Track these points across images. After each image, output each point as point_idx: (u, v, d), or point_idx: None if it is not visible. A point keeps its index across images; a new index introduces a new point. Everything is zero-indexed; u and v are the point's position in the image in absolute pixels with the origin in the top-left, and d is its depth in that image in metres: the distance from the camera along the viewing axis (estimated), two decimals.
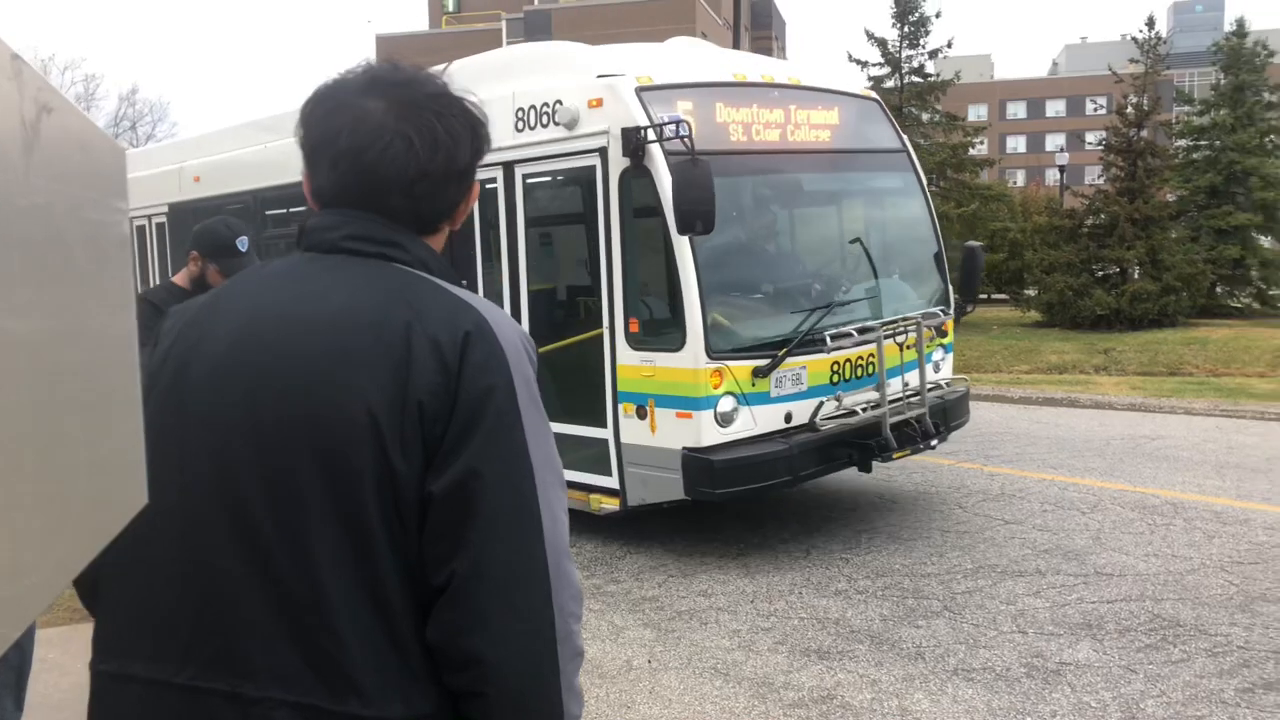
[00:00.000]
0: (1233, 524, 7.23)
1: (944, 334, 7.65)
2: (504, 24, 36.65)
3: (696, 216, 6.10)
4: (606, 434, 6.96)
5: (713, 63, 7.31)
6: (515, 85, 7.32)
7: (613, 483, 6.97)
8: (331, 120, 1.46)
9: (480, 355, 1.36)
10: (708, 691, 4.95)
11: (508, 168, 7.39)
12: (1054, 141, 59.65)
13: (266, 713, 1.32)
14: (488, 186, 7.59)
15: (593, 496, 7.10)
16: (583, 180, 7.09)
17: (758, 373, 6.56)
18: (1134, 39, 26.68)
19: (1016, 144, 74.08)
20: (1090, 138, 26.47)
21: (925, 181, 8.00)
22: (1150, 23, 26.84)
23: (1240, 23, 27.27)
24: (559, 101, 6.97)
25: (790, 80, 7.29)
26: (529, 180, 7.35)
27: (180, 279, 4.52)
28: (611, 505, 6.99)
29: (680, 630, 5.68)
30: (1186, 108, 28.90)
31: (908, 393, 7.11)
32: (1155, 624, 5.47)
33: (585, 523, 7.18)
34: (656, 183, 6.47)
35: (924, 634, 5.48)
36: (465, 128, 1.50)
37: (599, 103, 6.77)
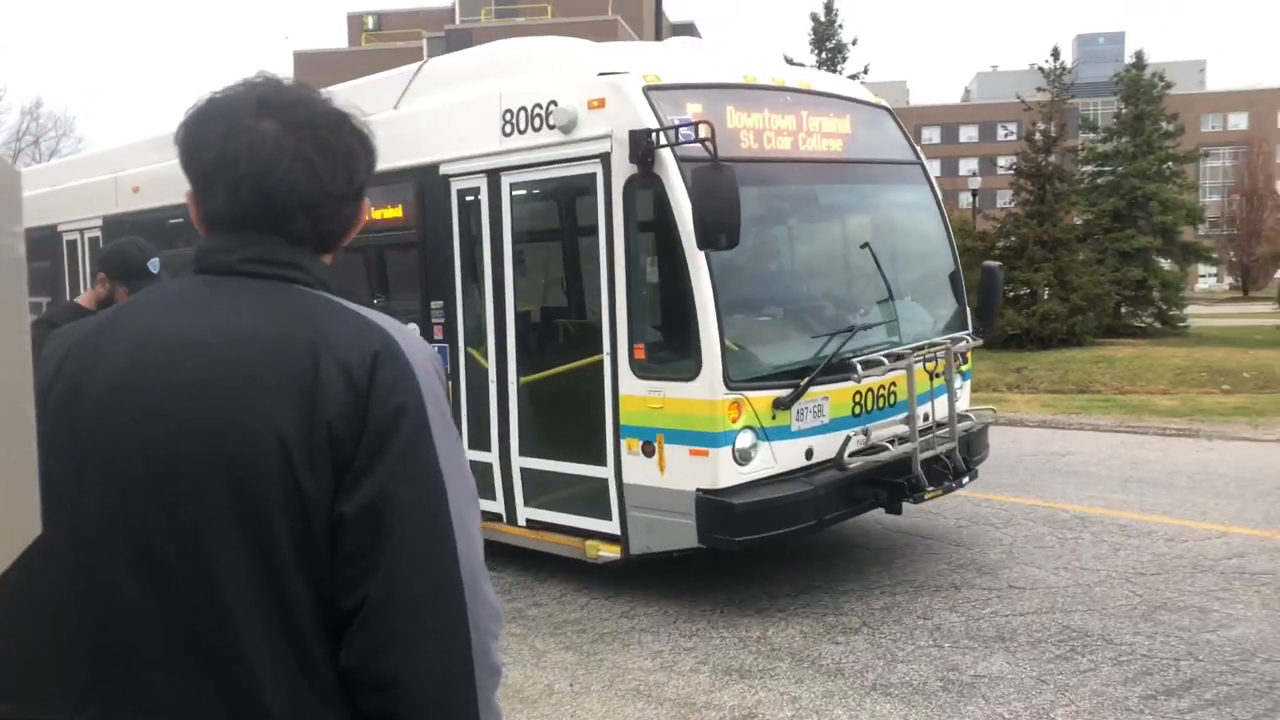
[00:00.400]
0: (1137, 536, 7.34)
1: (965, 360, 6.97)
2: (425, 42, 35.43)
3: (720, 229, 5.28)
4: (606, 473, 6.06)
5: (720, 63, 6.51)
6: (502, 84, 6.40)
7: (612, 527, 6.08)
8: (226, 144, 1.35)
9: (389, 375, 1.28)
10: (630, 714, 4.81)
11: (492, 176, 6.46)
12: (967, 166, 60.82)
13: None
14: (468, 198, 6.65)
15: (589, 543, 6.19)
16: (581, 189, 6.20)
17: (779, 404, 5.75)
18: (1041, 68, 26.97)
19: (931, 168, 74.43)
20: (1002, 162, 26.65)
21: (940, 195, 7.34)
22: (1055, 53, 27.18)
23: (1139, 55, 27.87)
24: (554, 102, 6.08)
25: (801, 84, 6.53)
26: (517, 190, 6.43)
27: (86, 300, 4.21)
28: (611, 553, 6.09)
29: (602, 653, 5.48)
30: (1091, 135, 29.42)
31: (934, 424, 6.37)
32: (1065, 635, 5.51)
33: (505, 546, 6.52)
34: (668, 192, 5.63)
35: (843, 650, 5.42)
36: (359, 144, 1.43)
37: (601, 103, 5.90)
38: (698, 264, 5.56)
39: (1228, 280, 63.36)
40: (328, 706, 1.27)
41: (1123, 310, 25.26)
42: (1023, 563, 6.75)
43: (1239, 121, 73.77)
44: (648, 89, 5.82)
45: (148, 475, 1.27)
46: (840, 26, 27.59)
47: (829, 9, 28.51)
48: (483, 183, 6.52)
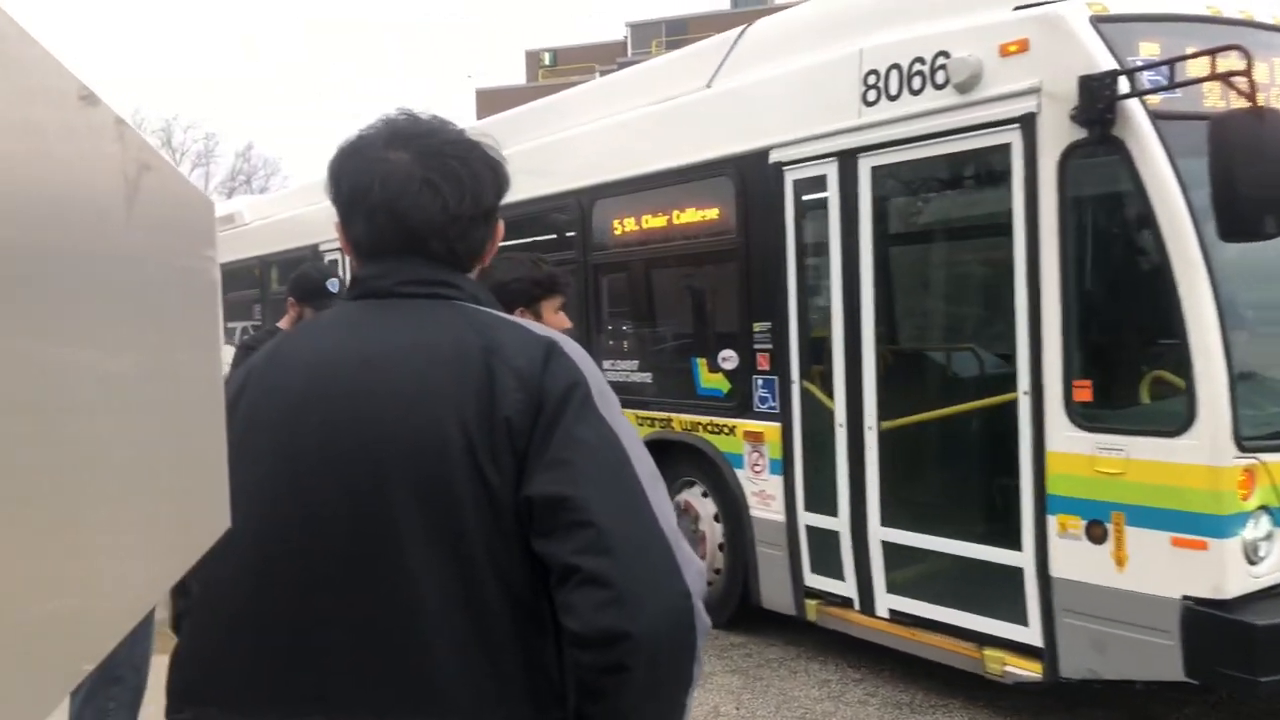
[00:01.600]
0: None
1: None
2: (598, 76, 34.57)
3: (1268, 209, 3.32)
4: (1022, 560, 4.09)
5: None
6: (863, 40, 4.56)
7: (1030, 636, 4.10)
8: (361, 176, 1.37)
9: (556, 367, 1.25)
10: None
11: (846, 159, 4.63)
12: None
13: None
14: (809, 190, 4.83)
15: (989, 653, 4.22)
16: (984, 167, 4.29)
17: None
18: None
19: None
20: None
21: None
22: None
23: None
24: (944, 53, 4.21)
25: (1276, 21, 4.48)
26: (882, 175, 4.57)
27: (284, 324, 4.33)
28: (1027, 671, 4.09)
29: (768, 678, 4.93)
30: None
31: None
32: None
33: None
34: (1139, 160, 3.65)
35: (1020, 692, 4.34)
36: (486, 168, 1.41)
37: (1022, 46, 3.99)
38: (1189, 264, 3.58)
39: None
40: (517, 709, 1.20)
41: None
42: None
43: None
44: (1096, 20, 3.89)
45: (336, 491, 1.23)
46: None
47: None
48: (831, 169, 4.69)
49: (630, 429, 1.27)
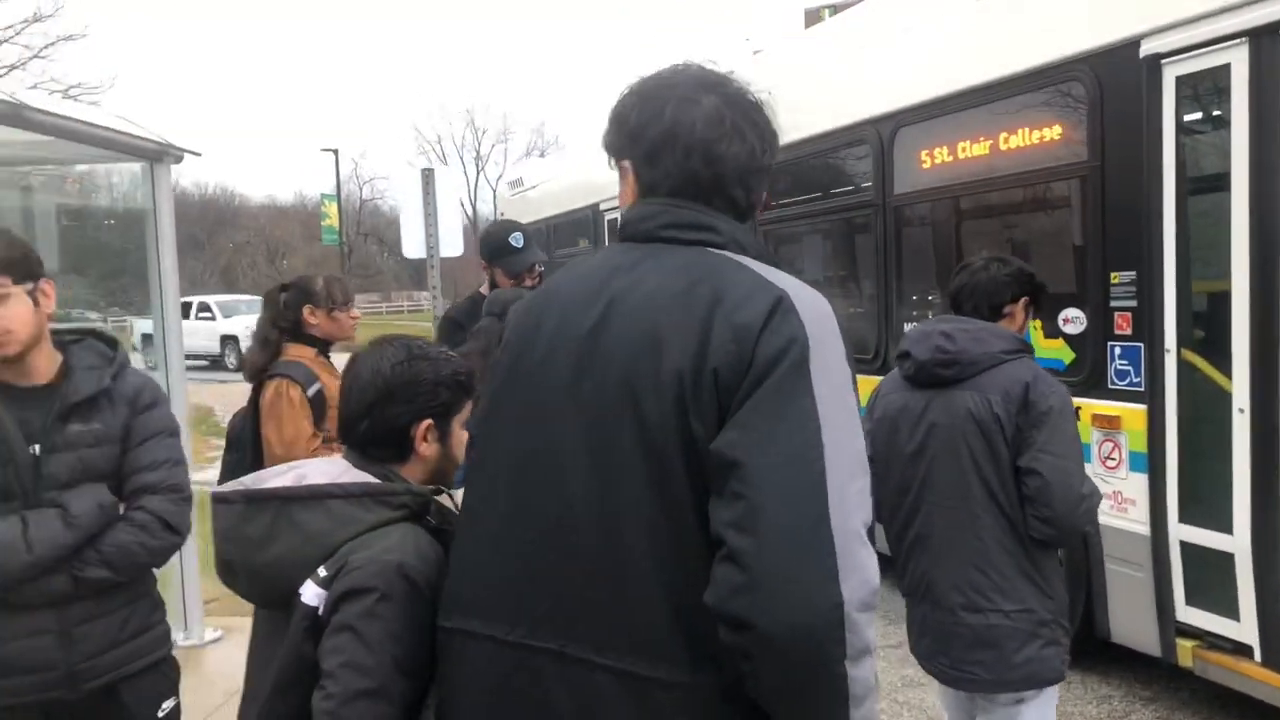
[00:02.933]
0: None
1: None
2: None
3: None
4: None
5: None
6: None
7: None
8: (679, 115, 1.32)
9: (779, 324, 1.17)
10: None
11: (1264, 41, 3.20)
12: None
13: (586, 674, 1.21)
14: (1200, 90, 3.48)
15: None
16: None
17: None
18: None
19: None
20: None
21: None
22: None
23: None
24: None
25: None
26: None
27: (483, 288, 4.20)
28: None
29: None
30: None
31: None
32: None
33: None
34: None
35: None
36: (768, 122, 1.37)
37: None
38: None
39: None
40: (723, 657, 1.14)
41: None
42: None
43: None
44: None
45: (575, 426, 1.25)
46: None
47: None
48: (1239, 55, 3.30)
49: (845, 405, 1.16)
